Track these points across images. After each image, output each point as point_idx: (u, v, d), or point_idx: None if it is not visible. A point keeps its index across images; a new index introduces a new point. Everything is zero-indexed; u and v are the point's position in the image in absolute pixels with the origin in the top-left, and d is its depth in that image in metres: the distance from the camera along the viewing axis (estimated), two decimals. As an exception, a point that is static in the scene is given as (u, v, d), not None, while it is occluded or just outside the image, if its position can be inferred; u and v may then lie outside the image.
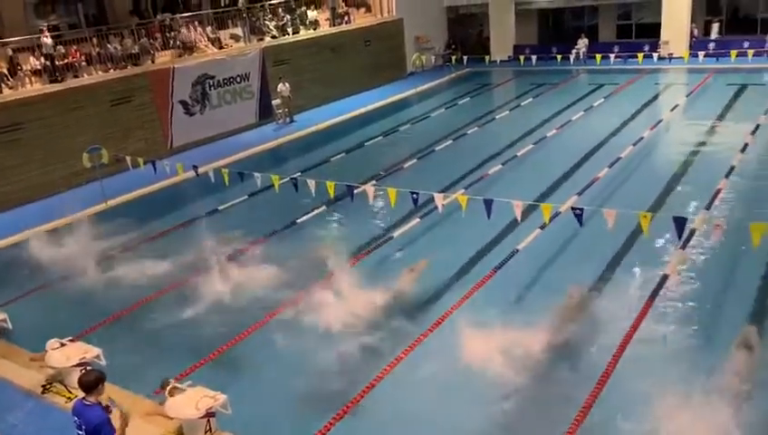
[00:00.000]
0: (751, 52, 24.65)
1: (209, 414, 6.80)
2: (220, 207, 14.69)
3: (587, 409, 7.02)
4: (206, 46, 21.91)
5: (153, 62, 20.06)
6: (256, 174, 12.80)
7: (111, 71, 19.05)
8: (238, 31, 23.44)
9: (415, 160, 17.06)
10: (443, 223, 12.12)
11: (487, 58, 29.69)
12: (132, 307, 10.39)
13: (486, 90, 26.82)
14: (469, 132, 19.56)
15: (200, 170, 14.23)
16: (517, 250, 10.95)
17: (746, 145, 15.39)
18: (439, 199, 10.69)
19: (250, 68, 22.46)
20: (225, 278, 10.98)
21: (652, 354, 7.91)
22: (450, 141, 18.62)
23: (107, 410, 5.47)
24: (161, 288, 10.90)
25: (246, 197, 14.93)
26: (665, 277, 9.58)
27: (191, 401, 6.80)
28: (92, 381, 5.48)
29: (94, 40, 19.19)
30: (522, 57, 28.18)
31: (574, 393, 7.28)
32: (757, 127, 16.70)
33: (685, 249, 10.28)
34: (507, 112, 21.88)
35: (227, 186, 13.47)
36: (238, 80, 22.09)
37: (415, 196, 10.69)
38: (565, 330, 8.49)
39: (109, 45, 19.31)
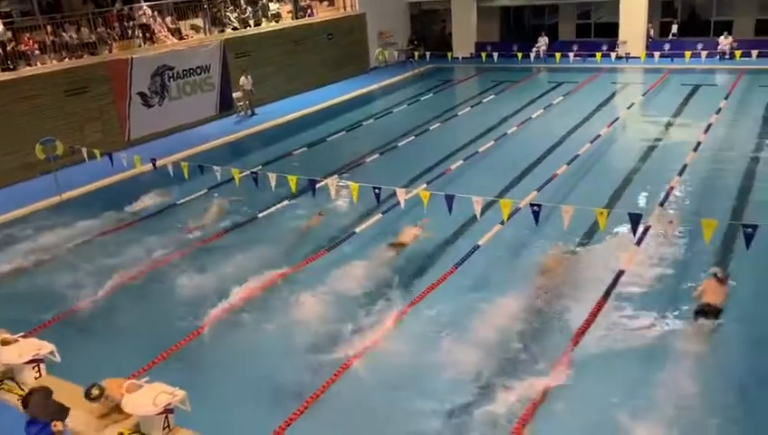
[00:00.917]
0: (704, 53, 25.37)
1: (167, 410, 6.72)
2: (179, 201, 14.46)
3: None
4: (165, 37, 21.51)
5: (111, 51, 19.60)
6: (216, 167, 12.64)
7: (66, 60, 18.56)
8: (199, 22, 23.09)
9: (377, 155, 17.08)
10: (404, 218, 12.16)
11: (450, 54, 29.87)
12: (87, 302, 10.15)
13: (449, 86, 26.99)
14: (431, 128, 19.66)
15: (159, 163, 13.99)
16: (478, 246, 11.07)
17: (699, 144, 15.86)
18: (401, 195, 10.73)
19: (211, 60, 22.14)
20: (184, 272, 10.86)
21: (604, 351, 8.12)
22: (413, 137, 18.69)
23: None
24: (117, 283, 10.68)
25: (206, 190, 14.73)
26: (620, 272, 9.81)
27: (148, 398, 6.70)
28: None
29: (48, 28, 18.66)
30: (484, 54, 28.43)
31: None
32: (709, 126, 17.21)
33: (640, 245, 10.54)
34: (469, 109, 22.07)
35: (187, 179, 13.28)
36: (198, 71, 21.75)
37: (377, 191, 10.71)
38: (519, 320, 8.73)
39: (64, 34, 18.79)
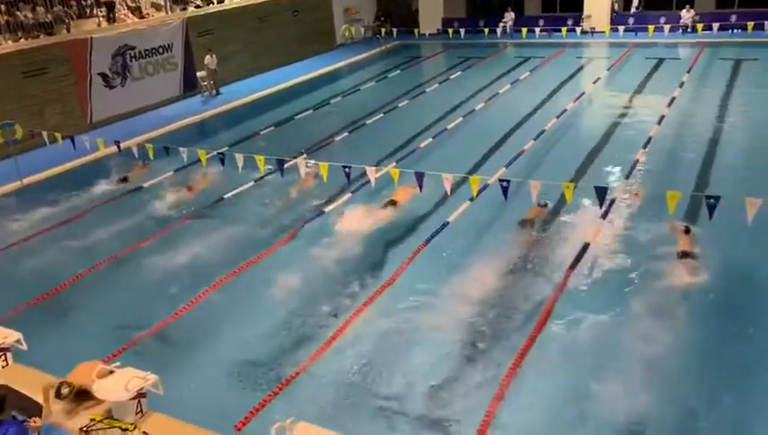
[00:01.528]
0: (667, 27, 25.67)
1: (140, 395, 6.66)
2: (145, 184, 14.22)
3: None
4: (125, 16, 20.96)
5: (69, 31, 19.03)
6: (182, 148, 12.43)
7: (23, 40, 17.97)
8: (160, 0, 22.54)
9: (346, 134, 16.99)
10: (375, 196, 12.15)
11: (416, 31, 29.70)
12: (53, 290, 9.96)
13: (416, 63, 26.88)
14: (400, 105, 19.60)
15: (123, 145, 13.69)
16: (448, 223, 11.14)
17: (663, 117, 16.10)
18: (372, 173, 10.70)
19: (173, 38, 21.66)
20: (152, 255, 10.73)
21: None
22: (381, 115, 18.62)
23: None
24: (83, 268, 10.50)
25: (172, 172, 14.51)
26: (586, 245, 9.98)
27: (120, 383, 6.63)
28: None
29: (2, 7, 18.02)
30: (450, 30, 28.34)
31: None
32: (673, 99, 17.48)
33: (606, 218, 10.71)
34: (437, 85, 22.03)
35: (152, 161, 13.05)
36: (161, 51, 21.28)
37: (347, 170, 10.67)
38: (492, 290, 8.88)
39: (19, 13, 18.17)
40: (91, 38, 19.08)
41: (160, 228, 11.91)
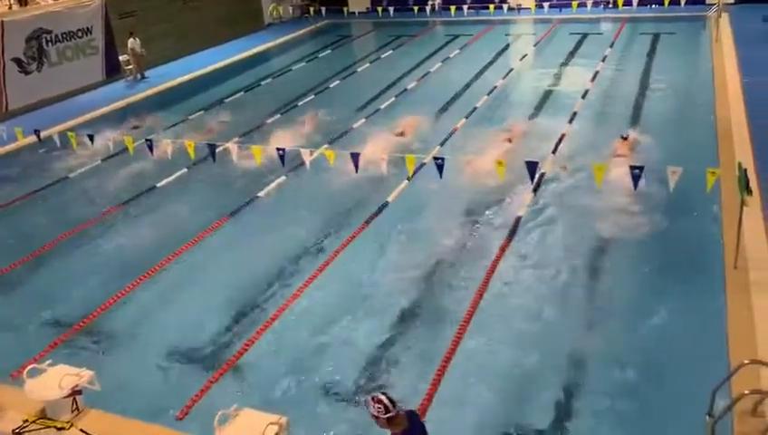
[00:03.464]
0: (590, 2, 26.30)
1: (75, 392, 6.48)
2: (70, 175, 13.64)
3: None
4: (38, -3, 19.93)
5: (-24, 14, 17.96)
6: (108, 135, 12.00)
7: (-75, 25, 16.87)
8: (75, -20, 21.49)
9: (278, 116, 16.76)
10: (310, 179, 12.07)
11: (346, 10, 29.46)
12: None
13: (347, 42, 26.70)
14: (332, 86, 19.46)
15: (43, 135, 13.10)
16: (387, 202, 11.19)
17: (587, 91, 16.61)
18: (306, 155, 10.64)
19: (92, 21, 20.72)
20: (79, 249, 10.39)
21: (510, 292, 8.56)
22: (313, 96, 18.44)
23: None
24: (6, 265, 10.04)
25: (99, 162, 13.98)
26: (518, 219, 10.26)
27: (54, 381, 6.43)
28: None
29: None
30: (380, 9, 28.24)
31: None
32: (596, 74, 18.04)
33: (536, 193, 11.01)
34: (368, 65, 21.97)
35: (75, 150, 12.55)
36: (79, 34, 20.33)
37: (281, 152, 10.56)
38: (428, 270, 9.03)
39: None
40: (2, 21, 18.03)
41: (87, 220, 11.47)
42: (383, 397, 4.83)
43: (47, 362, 6.81)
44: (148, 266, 9.60)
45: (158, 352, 7.83)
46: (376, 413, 4.80)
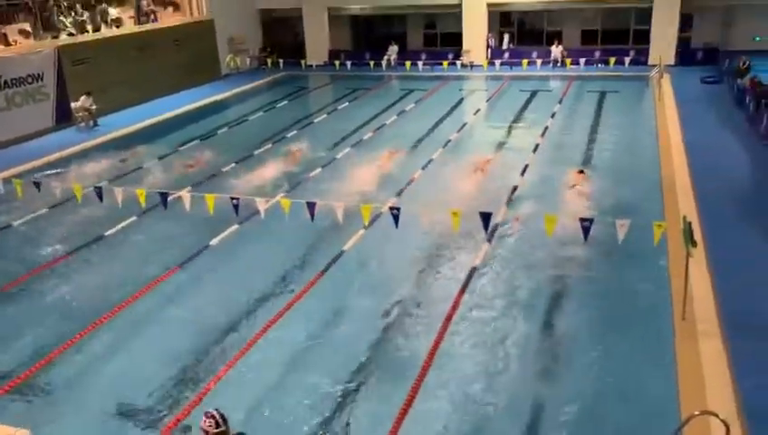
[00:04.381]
0: (539, 61, 27.45)
1: (9, 453, 6.11)
2: (15, 223, 13.16)
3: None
4: (-11, 42, 19.61)
5: None
6: (55, 184, 11.68)
7: None
8: (28, 26, 21.26)
9: (234, 165, 16.65)
10: (264, 229, 11.94)
11: (303, 62, 29.90)
12: None
13: (304, 93, 26.99)
14: (289, 135, 19.54)
15: (-13, 181, 12.69)
16: (343, 251, 11.14)
17: (537, 145, 17.10)
18: (261, 204, 10.56)
19: (43, 67, 20.44)
20: (21, 299, 9.95)
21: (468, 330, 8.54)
22: (270, 145, 18.45)
23: None
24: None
25: (46, 210, 13.55)
26: (473, 269, 10.32)
27: (-14, 441, 6.05)
28: None
29: None
30: (337, 62, 28.77)
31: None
32: (546, 129, 18.63)
33: (491, 242, 11.14)
34: (325, 116, 22.20)
35: (21, 198, 12.16)
36: (30, 80, 20.00)
37: (235, 202, 10.46)
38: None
39: None
40: (-50, 66, 17.66)
41: (31, 269, 11.04)
42: (215, 412, 5.07)
43: (-20, 421, 6.43)
44: (95, 316, 9.24)
45: (101, 407, 7.47)
46: (206, 428, 4.97)
